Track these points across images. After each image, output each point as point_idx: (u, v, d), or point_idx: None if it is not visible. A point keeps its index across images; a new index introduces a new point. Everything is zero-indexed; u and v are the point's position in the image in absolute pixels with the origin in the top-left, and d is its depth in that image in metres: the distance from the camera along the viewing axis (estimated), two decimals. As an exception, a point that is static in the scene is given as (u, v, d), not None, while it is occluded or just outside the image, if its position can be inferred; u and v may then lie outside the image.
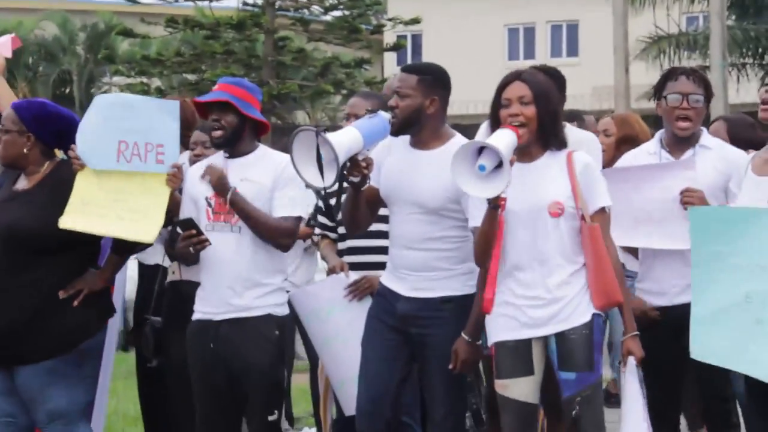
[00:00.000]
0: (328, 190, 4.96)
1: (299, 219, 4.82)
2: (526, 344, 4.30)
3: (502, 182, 4.07)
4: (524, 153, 4.33)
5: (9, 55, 5.85)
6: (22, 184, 4.85)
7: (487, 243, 4.27)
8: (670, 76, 4.77)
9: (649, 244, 4.69)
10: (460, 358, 4.49)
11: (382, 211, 4.76)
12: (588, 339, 4.24)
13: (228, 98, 4.77)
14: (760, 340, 3.85)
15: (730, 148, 4.78)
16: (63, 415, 4.69)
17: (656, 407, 4.71)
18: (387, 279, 4.70)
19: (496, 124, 4.34)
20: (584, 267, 4.28)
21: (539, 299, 4.27)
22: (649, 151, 4.82)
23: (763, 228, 3.88)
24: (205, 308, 4.82)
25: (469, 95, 30.47)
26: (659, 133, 4.80)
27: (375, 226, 4.84)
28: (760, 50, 24.49)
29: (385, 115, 4.50)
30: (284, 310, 4.85)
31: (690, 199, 4.49)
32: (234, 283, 4.75)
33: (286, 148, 4.38)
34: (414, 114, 4.56)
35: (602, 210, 4.32)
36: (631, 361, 4.28)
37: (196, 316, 4.86)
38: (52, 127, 4.86)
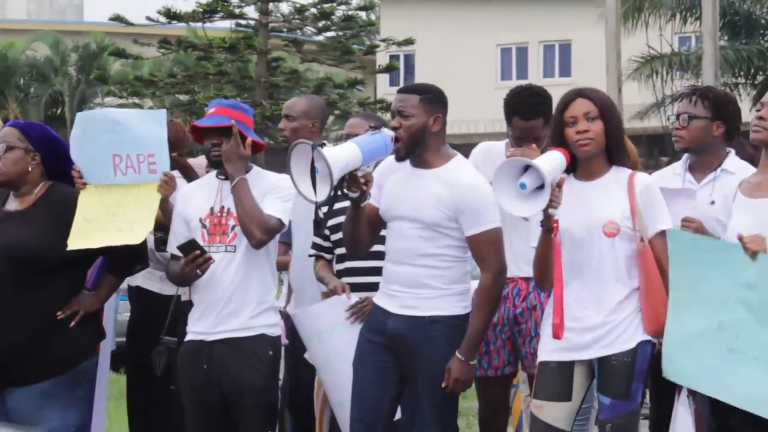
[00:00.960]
0: (321, 206, 4.93)
1: (281, 223, 4.76)
2: (568, 367, 4.27)
3: (540, 204, 4.05)
4: (586, 171, 4.31)
5: None
6: (13, 205, 4.82)
7: (542, 265, 4.26)
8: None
9: None
10: (453, 377, 4.46)
11: (382, 232, 4.75)
12: (629, 367, 4.19)
13: (232, 123, 4.76)
14: (733, 368, 3.90)
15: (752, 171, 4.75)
16: (55, 438, 4.66)
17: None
18: (379, 297, 4.69)
19: (560, 144, 4.30)
20: (638, 290, 4.23)
21: (588, 322, 4.22)
22: (676, 172, 4.82)
23: (735, 263, 3.92)
24: (198, 328, 4.81)
25: (462, 115, 30.53)
26: (686, 156, 4.79)
27: (374, 247, 4.83)
28: (752, 70, 24.56)
29: (387, 132, 4.48)
30: (277, 331, 4.83)
31: (687, 228, 4.47)
32: (229, 303, 4.73)
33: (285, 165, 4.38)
34: (419, 133, 4.55)
35: (662, 233, 4.25)
36: (684, 391, 4.20)
37: (189, 337, 4.84)
38: (54, 150, 4.87)
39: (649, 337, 4.23)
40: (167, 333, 5.47)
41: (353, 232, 4.62)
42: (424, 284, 4.55)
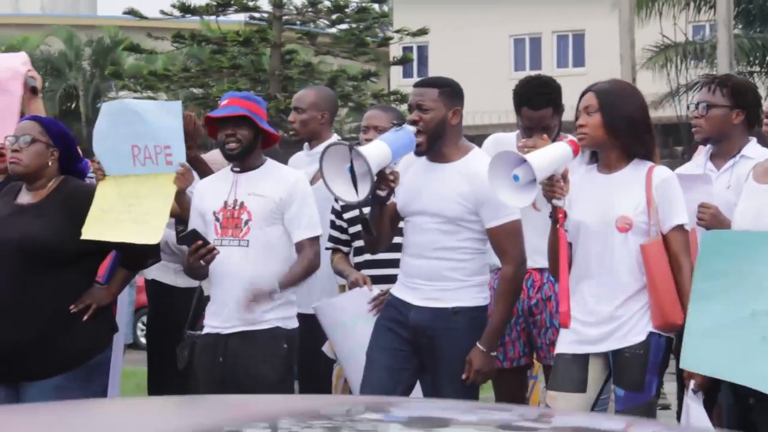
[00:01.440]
0: (362, 206, 4.96)
1: (319, 237, 4.84)
2: (583, 360, 4.28)
3: (531, 196, 4.10)
4: (605, 163, 4.32)
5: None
6: (26, 198, 4.84)
7: (552, 255, 4.29)
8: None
9: None
10: (474, 368, 4.48)
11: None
12: (641, 359, 4.20)
13: (246, 113, 4.78)
14: (765, 355, 3.90)
15: None
16: (71, 432, 4.67)
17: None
18: (398, 290, 4.69)
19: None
20: None
21: (602, 315, 4.24)
22: (698, 163, 4.82)
23: None
24: (214, 322, 4.83)
25: (476, 106, 30.50)
26: (709, 145, 4.78)
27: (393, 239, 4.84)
28: (767, 58, 24.45)
29: (410, 128, 4.49)
30: (293, 324, 4.84)
31: (702, 214, 4.46)
32: (242, 297, 4.73)
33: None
34: (439, 126, 4.56)
35: (679, 228, 4.24)
36: (692, 385, 4.21)
37: (205, 330, 4.87)
38: (68, 147, 4.91)
39: (660, 332, 4.23)
40: (190, 327, 5.49)
41: (378, 230, 4.62)
42: (445, 276, 4.56)
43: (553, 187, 4.19)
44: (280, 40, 22.96)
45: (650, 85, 23.97)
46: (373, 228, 4.62)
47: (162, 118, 4.92)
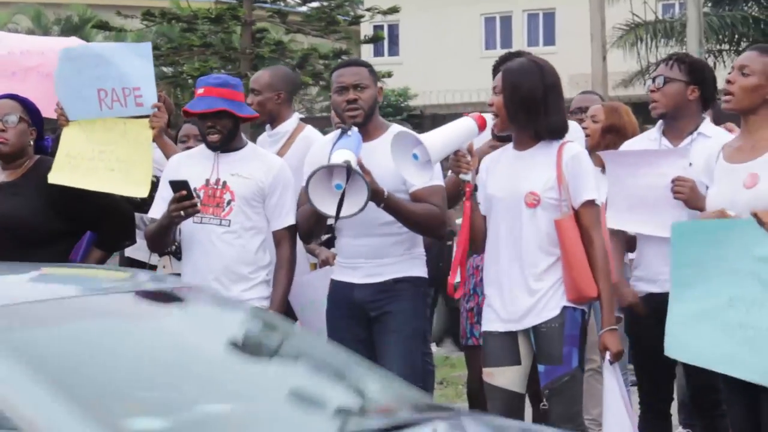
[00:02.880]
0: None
1: (296, 225, 4.85)
2: (511, 335, 4.35)
3: (427, 175, 4.29)
4: (517, 141, 4.40)
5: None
6: (1, 176, 4.83)
7: (464, 228, 4.37)
8: None
9: (641, 230, 4.70)
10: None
11: None
12: (558, 332, 4.26)
13: (224, 106, 4.75)
14: (743, 342, 3.93)
15: (729, 137, 4.78)
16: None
17: (646, 398, 4.73)
18: (337, 273, 4.77)
19: None
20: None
21: (518, 291, 4.31)
22: (650, 138, 4.83)
23: (747, 239, 3.94)
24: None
25: (447, 85, 30.51)
26: (661, 121, 4.83)
27: None
28: (736, 37, 24.59)
29: (355, 129, 4.59)
30: (268, 303, 4.85)
31: (680, 188, 4.49)
32: (221, 276, 4.76)
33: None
34: (374, 103, 4.72)
35: (589, 203, 4.32)
36: (608, 356, 4.29)
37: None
38: (40, 125, 4.88)
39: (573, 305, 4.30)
40: None
41: (314, 226, 4.74)
42: (386, 253, 4.66)
43: (459, 161, 4.30)
44: (251, 18, 22.87)
45: (621, 63, 24.06)
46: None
47: (131, 60, 4.88)
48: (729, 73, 4.25)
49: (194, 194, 4.64)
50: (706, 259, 4.03)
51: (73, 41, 5.63)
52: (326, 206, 4.40)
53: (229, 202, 4.78)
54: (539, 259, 4.30)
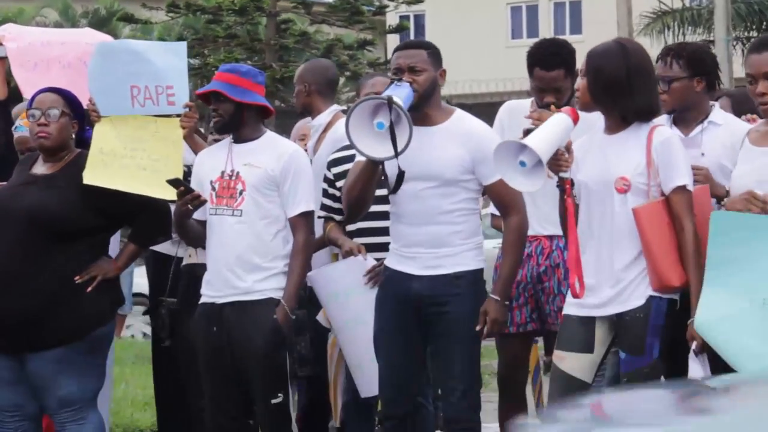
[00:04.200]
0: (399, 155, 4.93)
1: (313, 212, 4.85)
2: (590, 321, 4.28)
3: (540, 179, 4.11)
4: (607, 125, 4.33)
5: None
6: (41, 168, 4.82)
7: (562, 225, 4.30)
8: None
9: None
10: (491, 318, 4.52)
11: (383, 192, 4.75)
12: (641, 322, 4.19)
13: (217, 88, 4.77)
14: None
15: (739, 124, 4.71)
16: (74, 402, 4.69)
17: None
18: (393, 261, 4.68)
19: None
20: None
21: (605, 279, 4.24)
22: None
23: None
24: (210, 292, 4.85)
25: (473, 74, 30.41)
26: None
27: (383, 207, 4.84)
28: (764, 23, 24.38)
29: (407, 82, 4.50)
30: (287, 295, 4.84)
31: (695, 176, 4.44)
32: (235, 266, 4.76)
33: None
34: (431, 87, 4.59)
35: (680, 188, 4.22)
36: (693, 346, 4.17)
37: (202, 300, 4.89)
38: (83, 118, 4.88)
39: (659, 295, 4.22)
40: (169, 295, 5.49)
41: (365, 193, 4.62)
42: (445, 242, 4.58)
43: (559, 161, 4.20)
44: (276, 9, 22.87)
45: (648, 51, 23.90)
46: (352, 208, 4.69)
47: (165, 57, 4.89)
48: (751, 83, 4.18)
49: (188, 186, 4.66)
50: (741, 258, 3.95)
51: (87, 33, 5.62)
52: (372, 149, 4.34)
53: (241, 192, 4.79)
54: (630, 246, 4.22)
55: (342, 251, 5.24)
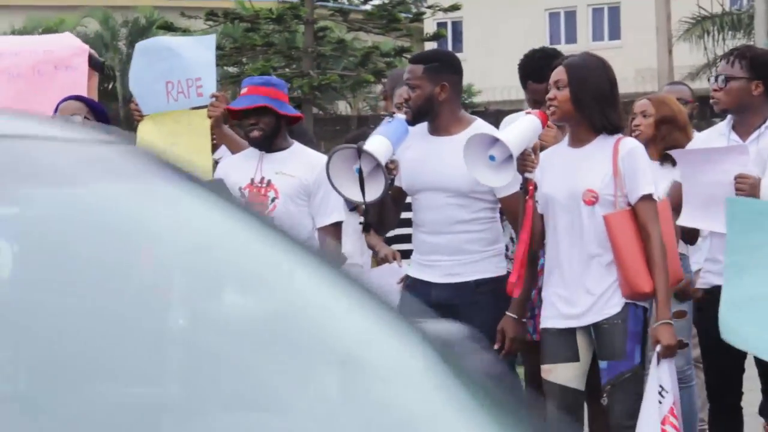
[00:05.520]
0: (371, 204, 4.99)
1: (341, 223, 4.90)
2: (570, 332, 4.32)
3: (509, 174, 4.20)
4: (574, 138, 4.38)
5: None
6: None
7: (519, 222, 4.36)
8: None
9: (712, 228, 4.62)
10: (508, 336, 4.50)
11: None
12: (621, 329, 4.24)
13: (266, 102, 4.81)
14: None
15: None
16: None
17: (716, 393, 4.66)
18: (414, 270, 4.70)
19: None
20: None
21: (579, 288, 4.28)
22: (720, 132, 4.80)
23: None
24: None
25: (511, 81, 30.31)
26: (730, 116, 4.77)
27: None
28: (805, 28, 24.17)
29: (400, 116, 4.54)
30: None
31: (741, 185, 4.42)
32: None
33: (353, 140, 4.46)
34: (425, 103, 4.58)
35: (646, 197, 4.28)
36: (657, 349, 4.23)
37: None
38: (108, 123, 4.99)
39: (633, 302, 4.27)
40: None
41: (382, 216, 4.66)
42: (465, 249, 4.58)
43: (525, 160, 4.27)
44: (313, 17, 22.94)
45: (687, 56, 23.78)
46: (373, 224, 4.74)
47: (195, 51, 4.99)
48: None
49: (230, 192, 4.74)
50: (763, 245, 3.94)
51: (53, 39, 5.68)
52: (349, 191, 4.40)
53: (273, 200, 4.82)
54: (601, 257, 4.27)
55: (378, 257, 5.27)
